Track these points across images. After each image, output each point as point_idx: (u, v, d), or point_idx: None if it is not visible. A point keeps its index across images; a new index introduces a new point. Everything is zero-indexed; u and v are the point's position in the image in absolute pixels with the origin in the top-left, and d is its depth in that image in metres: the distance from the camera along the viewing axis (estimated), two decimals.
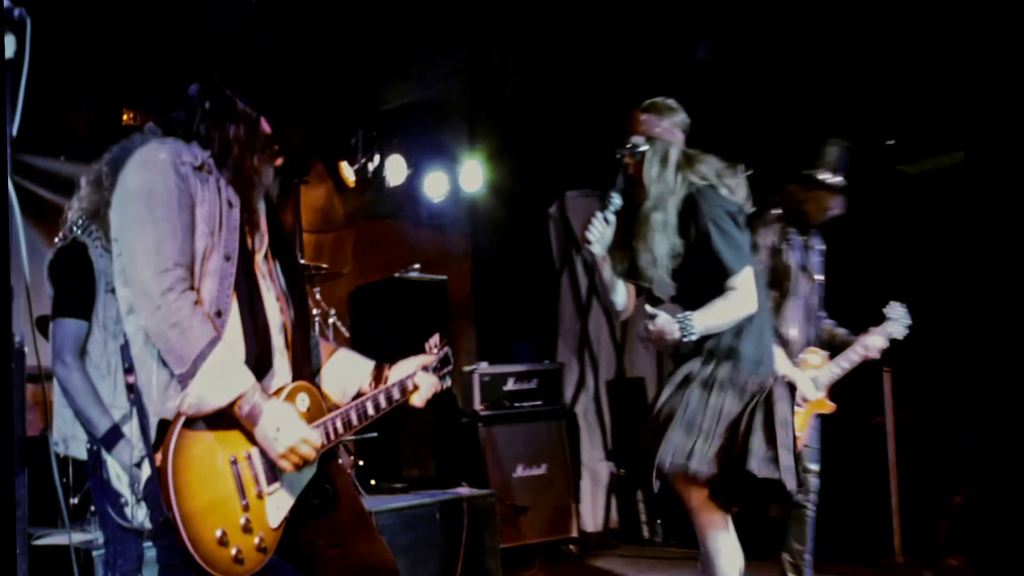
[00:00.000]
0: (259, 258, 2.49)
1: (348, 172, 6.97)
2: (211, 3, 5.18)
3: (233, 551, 2.19)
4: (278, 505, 2.31)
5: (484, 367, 6.32)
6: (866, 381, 5.76)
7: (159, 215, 2.22)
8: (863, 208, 6.07)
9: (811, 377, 4.23)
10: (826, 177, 4.19)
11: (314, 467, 2.37)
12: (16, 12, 2.16)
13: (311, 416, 2.40)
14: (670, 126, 3.32)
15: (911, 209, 6.31)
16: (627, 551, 5.73)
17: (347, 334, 6.18)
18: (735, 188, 3.30)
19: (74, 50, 5.20)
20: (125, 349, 2.31)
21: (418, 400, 2.66)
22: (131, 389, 2.28)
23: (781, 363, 4.07)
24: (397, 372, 2.65)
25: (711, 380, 3.13)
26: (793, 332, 4.24)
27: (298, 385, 2.41)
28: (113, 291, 2.61)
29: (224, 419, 2.24)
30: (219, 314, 2.28)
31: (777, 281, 4.22)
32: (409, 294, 6.52)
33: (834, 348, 4.37)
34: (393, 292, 6.53)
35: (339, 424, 2.44)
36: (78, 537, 4.32)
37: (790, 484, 3.02)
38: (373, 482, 5.89)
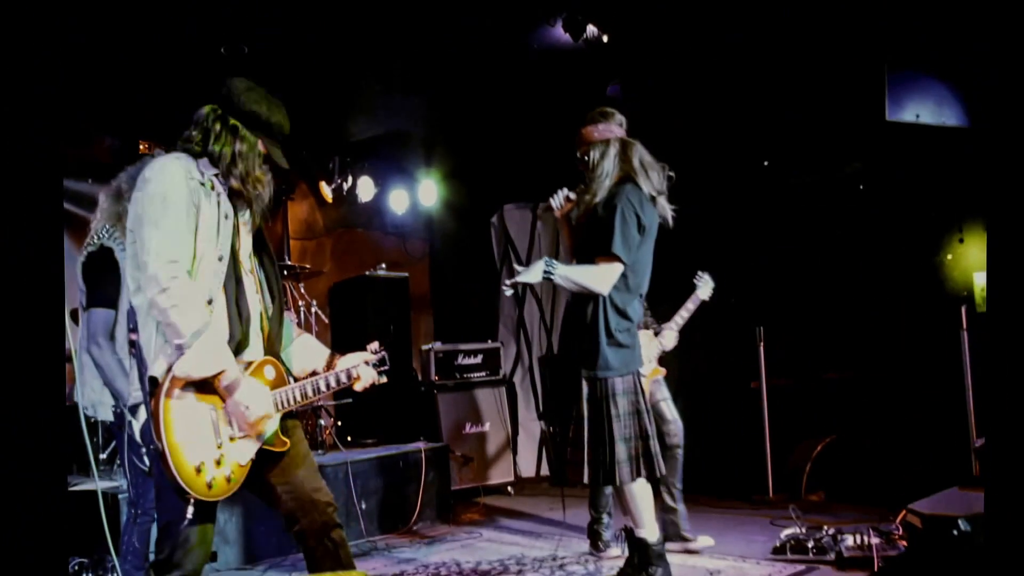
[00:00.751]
0: (246, 258, 2.50)
1: (326, 190, 7.02)
2: (213, 53, 5.20)
3: (207, 478, 2.24)
4: (246, 448, 2.36)
5: (438, 346, 6.38)
6: (745, 353, 5.99)
7: (170, 216, 2.24)
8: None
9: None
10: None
11: (276, 422, 2.43)
12: None
13: (274, 384, 2.44)
14: (605, 129, 3.46)
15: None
16: (554, 491, 5.83)
17: (327, 321, 6.22)
18: (656, 181, 3.45)
19: (99, 92, 5.23)
20: (132, 314, 2.33)
21: (359, 387, 2.67)
22: (133, 344, 2.33)
23: None
24: (344, 362, 2.65)
25: None
26: None
27: (266, 359, 2.46)
28: None
29: (207, 384, 2.29)
30: (209, 302, 2.31)
31: None
32: (377, 288, 6.63)
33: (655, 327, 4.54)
34: (364, 287, 6.63)
35: (296, 394, 2.47)
36: (105, 484, 4.39)
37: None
38: (350, 438, 5.96)
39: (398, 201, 7.38)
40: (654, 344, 4.41)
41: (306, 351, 2.70)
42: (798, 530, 4.28)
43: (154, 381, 2.24)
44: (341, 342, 6.91)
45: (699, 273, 4.63)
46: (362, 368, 2.66)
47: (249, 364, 2.42)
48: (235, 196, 2.42)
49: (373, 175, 7.12)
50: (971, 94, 4.42)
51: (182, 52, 5.13)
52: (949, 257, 5.77)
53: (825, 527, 4.25)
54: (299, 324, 5.82)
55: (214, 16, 4.85)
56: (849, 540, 4.03)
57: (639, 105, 6.08)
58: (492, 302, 7.63)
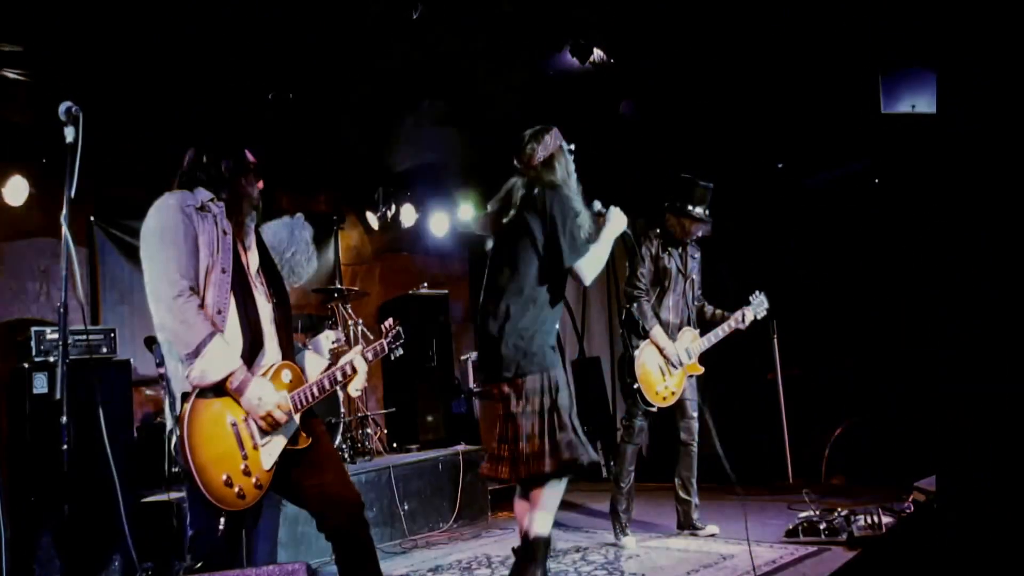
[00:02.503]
0: (252, 271, 2.56)
1: (372, 219, 7.23)
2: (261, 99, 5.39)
3: (236, 489, 2.29)
4: (270, 453, 2.40)
5: (475, 355, 6.44)
6: (760, 346, 5.89)
7: (168, 243, 2.32)
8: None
9: (684, 348, 4.35)
10: (691, 209, 4.32)
11: (296, 423, 2.46)
12: (73, 108, 2.31)
13: (292, 386, 2.49)
14: (543, 149, 3.22)
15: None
16: (588, 487, 5.80)
17: (372, 337, 6.30)
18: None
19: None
20: (157, 349, 2.45)
21: (354, 387, 2.68)
22: (162, 377, 2.42)
23: (661, 338, 4.25)
24: (343, 359, 2.69)
25: None
26: (671, 317, 4.38)
27: (284, 364, 2.51)
28: None
29: (226, 394, 2.35)
30: (219, 312, 2.36)
31: (658, 280, 4.39)
32: (420, 305, 6.75)
33: (712, 323, 4.48)
34: (408, 305, 6.76)
35: (309, 393, 2.52)
36: (175, 495, 4.57)
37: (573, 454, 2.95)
38: (395, 444, 6.06)
39: (438, 224, 7.51)
40: (698, 343, 4.40)
41: (306, 360, 2.73)
42: (812, 513, 4.17)
43: (183, 396, 2.31)
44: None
45: (756, 292, 4.56)
46: (357, 360, 2.68)
47: (268, 369, 2.47)
48: (231, 210, 2.49)
49: (414, 202, 7.28)
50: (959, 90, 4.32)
51: (231, 99, 5.33)
52: None
53: (838, 509, 4.14)
54: (347, 342, 5.95)
55: (260, 65, 5.02)
56: (861, 521, 3.93)
57: (651, 117, 6.14)
58: None
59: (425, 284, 6.92)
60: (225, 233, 2.45)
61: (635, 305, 4.22)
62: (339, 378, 2.65)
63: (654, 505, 5.12)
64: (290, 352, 2.60)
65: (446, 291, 7.00)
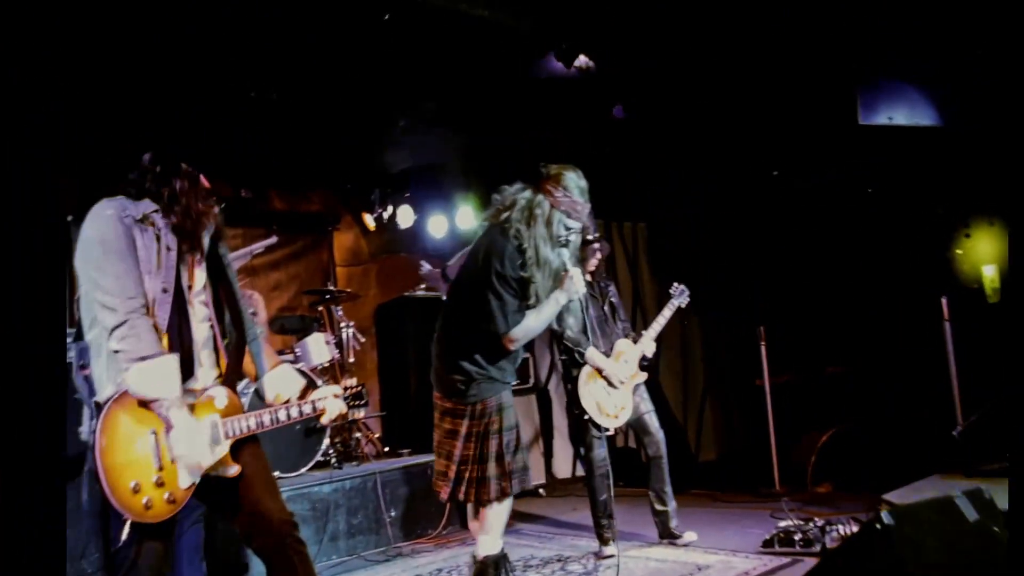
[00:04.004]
0: (196, 289, 2.44)
1: (369, 220, 7.16)
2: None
3: (144, 500, 2.18)
4: (190, 472, 2.28)
5: None
6: (749, 353, 5.82)
7: (114, 256, 2.23)
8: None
9: (624, 360, 4.32)
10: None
11: (224, 449, 2.35)
12: None
13: (226, 412, 2.38)
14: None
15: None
16: (582, 491, 5.77)
17: (362, 339, 6.28)
18: None
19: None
20: (84, 351, 2.30)
21: (325, 420, 2.59)
22: (86, 379, 2.28)
23: (597, 358, 4.20)
24: (316, 395, 2.56)
25: None
26: (599, 340, 4.32)
27: (216, 389, 2.40)
28: None
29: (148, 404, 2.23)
30: (166, 333, 2.28)
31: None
32: (416, 308, 6.70)
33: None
34: (404, 307, 6.73)
35: (249, 423, 2.40)
36: None
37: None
38: (386, 449, 6.05)
39: (437, 226, 7.47)
40: (635, 350, 4.35)
41: (282, 380, 2.62)
42: (791, 523, 4.13)
43: (99, 407, 2.22)
44: (386, 358, 7.05)
45: (675, 284, 4.60)
46: (330, 401, 2.56)
47: (198, 392, 2.38)
48: (179, 230, 2.38)
49: (412, 203, 7.21)
50: (946, 96, 4.26)
51: (213, 96, 5.30)
52: (959, 252, 5.50)
53: (815, 519, 4.09)
54: (338, 344, 5.95)
55: (247, 60, 4.93)
56: (836, 532, 3.87)
57: (643, 122, 6.10)
58: None
59: (422, 286, 6.90)
60: (169, 250, 2.35)
61: (566, 334, 4.16)
62: (295, 415, 2.48)
63: (642, 513, 5.08)
64: (233, 376, 2.49)
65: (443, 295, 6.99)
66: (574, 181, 3.19)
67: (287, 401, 2.56)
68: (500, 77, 5.71)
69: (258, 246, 6.64)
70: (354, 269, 7.32)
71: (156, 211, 2.37)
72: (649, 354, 4.40)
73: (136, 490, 2.18)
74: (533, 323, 3.13)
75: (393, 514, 5.06)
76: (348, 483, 4.91)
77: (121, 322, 2.20)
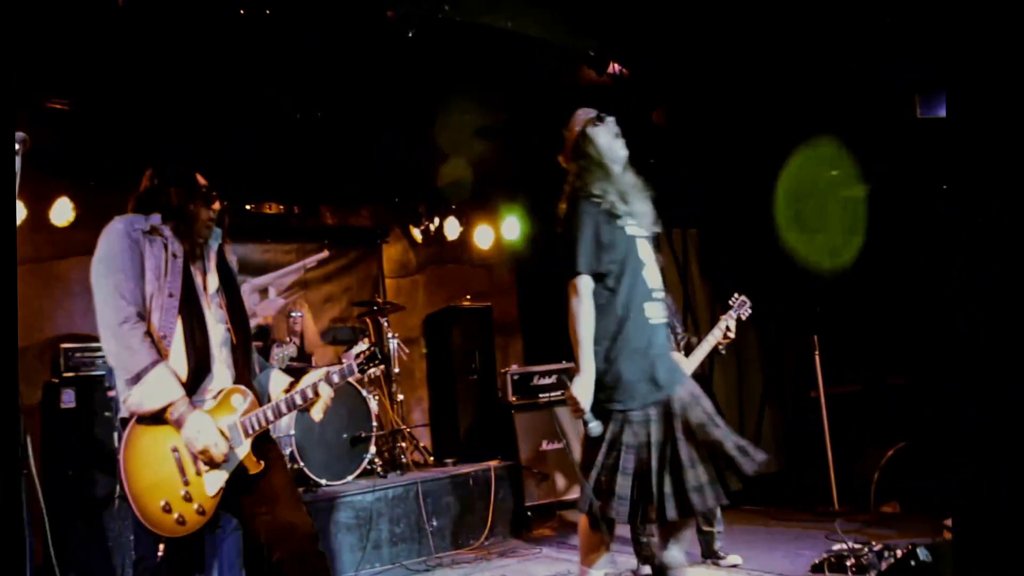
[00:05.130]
0: (209, 293, 2.49)
1: (416, 233, 7.18)
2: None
3: (176, 516, 2.24)
4: (215, 479, 2.32)
5: (514, 368, 6.22)
6: (803, 365, 5.55)
7: (115, 270, 2.30)
8: None
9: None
10: None
11: (247, 448, 2.36)
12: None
13: (246, 410, 2.40)
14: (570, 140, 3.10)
15: None
16: None
17: (407, 350, 6.25)
18: None
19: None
20: (109, 374, 2.43)
21: (316, 410, 2.50)
22: (113, 400, 2.39)
23: None
24: (304, 382, 2.53)
25: None
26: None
27: (234, 388, 2.42)
28: None
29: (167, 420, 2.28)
30: (164, 337, 2.32)
31: None
32: (463, 317, 6.69)
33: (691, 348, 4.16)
34: (451, 317, 6.71)
35: (266, 415, 2.41)
36: None
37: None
38: (432, 459, 6.01)
39: (483, 237, 7.42)
40: (685, 364, 4.15)
41: (276, 378, 2.66)
42: (845, 546, 3.88)
43: (124, 422, 2.27)
44: (435, 366, 7.02)
45: (736, 295, 4.17)
46: (321, 386, 2.50)
47: (217, 394, 2.40)
48: (182, 235, 2.44)
49: (458, 215, 7.20)
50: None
51: (262, 121, 5.38)
52: None
53: (873, 543, 3.83)
54: (384, 355, 5.93)
55: (291, 83, 4.98)
56: (894, 558, 3.60)
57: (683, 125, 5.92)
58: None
59: (468, 296, 6.86)
60: (175, 256, 2.42)
61: None
62: (298, 402, 2.48)
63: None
64: (246, 375, 2.51)
65: (488, 303, 6.91)
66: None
67: (289, 390, 2.55)
68: (540, 87, 5.63)
69: (311, 260, 6.76)
70: (402, 280, 7.33)
71: (163, 221, 2.44)
72: (688, 372, 4.17)
73: (167, 509, 2.25)
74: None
75: (435, 524, 5.01)
76: (391, 492, 4.88)
77: (113, 333, 2.25)
